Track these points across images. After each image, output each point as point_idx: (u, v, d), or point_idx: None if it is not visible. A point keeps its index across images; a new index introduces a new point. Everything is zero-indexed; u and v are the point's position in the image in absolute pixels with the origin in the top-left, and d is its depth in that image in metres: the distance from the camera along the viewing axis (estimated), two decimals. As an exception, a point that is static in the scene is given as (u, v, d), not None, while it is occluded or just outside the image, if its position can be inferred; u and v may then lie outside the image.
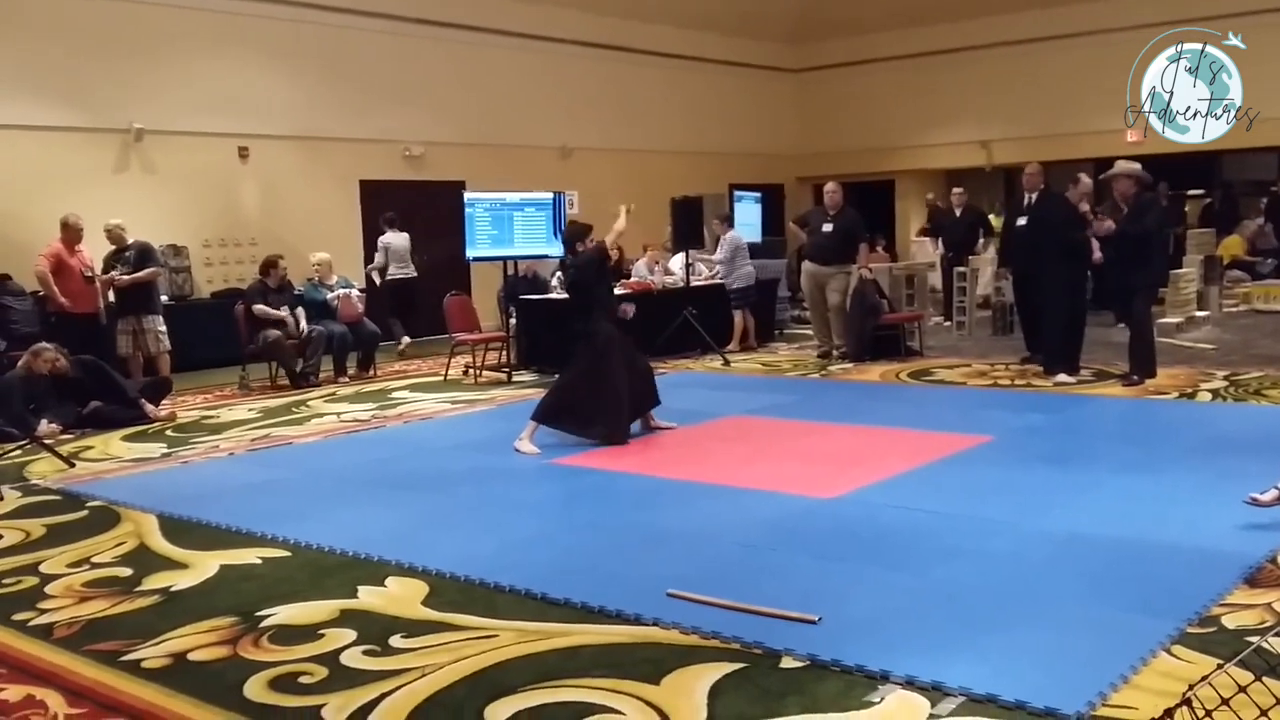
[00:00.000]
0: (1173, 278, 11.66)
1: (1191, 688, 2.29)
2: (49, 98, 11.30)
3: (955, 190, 15.04)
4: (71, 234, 9.58)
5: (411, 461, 6.86)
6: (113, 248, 9.98)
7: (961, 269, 13.00)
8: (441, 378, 10.55)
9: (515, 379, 10.24)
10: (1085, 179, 9.10)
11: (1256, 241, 15.16)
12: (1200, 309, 12.32)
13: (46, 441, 7.40)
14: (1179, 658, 3.38)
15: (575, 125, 16.14)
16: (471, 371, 10.57)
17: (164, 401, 9.03)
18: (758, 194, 13.72)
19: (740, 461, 6.56)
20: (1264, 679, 2.36)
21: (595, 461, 6.61)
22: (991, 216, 15.39)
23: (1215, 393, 8.14)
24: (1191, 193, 18.93)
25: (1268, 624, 3.60)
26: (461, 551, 4.78)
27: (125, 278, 9.73)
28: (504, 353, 10.77)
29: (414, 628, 3.91)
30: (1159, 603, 3.84)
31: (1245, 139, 15.50)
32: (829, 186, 10.95)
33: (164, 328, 9.98)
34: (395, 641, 3.78)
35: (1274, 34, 13.77)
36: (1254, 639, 3.45)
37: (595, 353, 7.05)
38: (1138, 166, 8.72)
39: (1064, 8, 16.60)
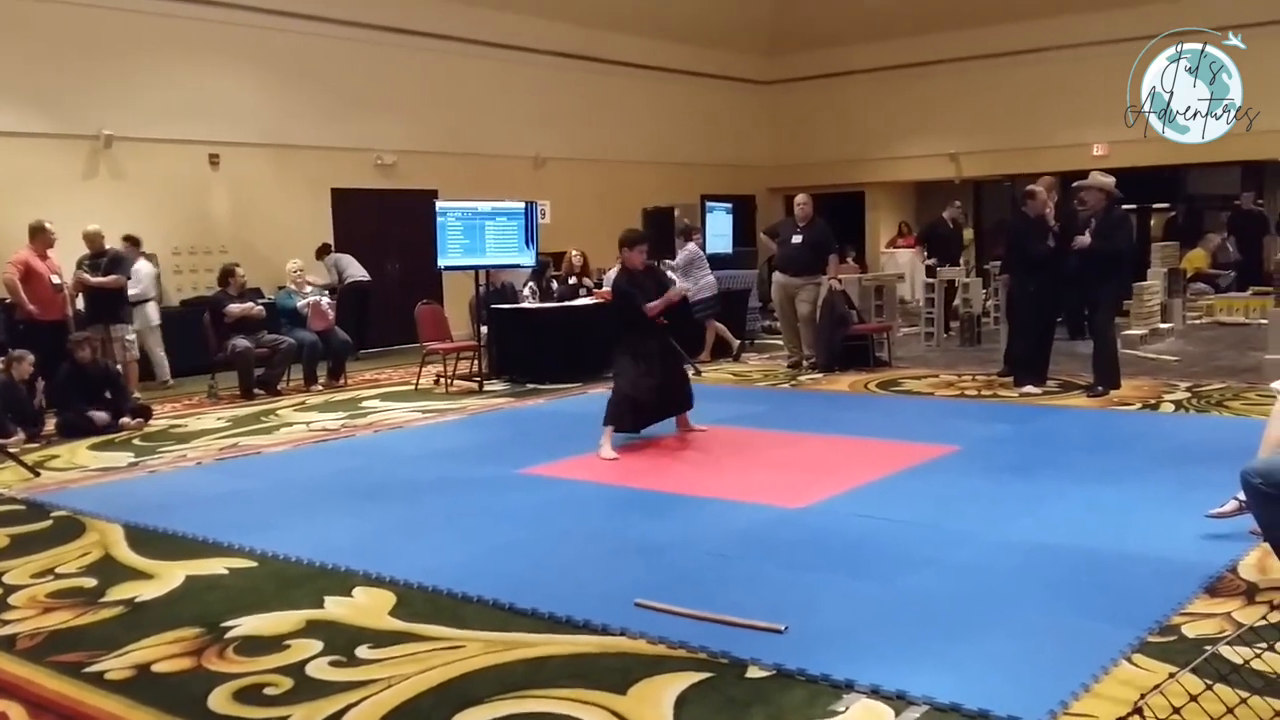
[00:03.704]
0: (1137, 290, 11.81)
1: (1143, 697, 2.33)
2: (17, 104, 11.22)
3: (956, 203, 15.21)
4: (42, 240, 9.50)
5: (381, 471, 6.84)
6: (88, 252, 9.90)
7: (931, 280, 13.13)
8: (413, 387, 10.52)
9: (487, 388, 10.22)
10: (1039, 190, 9.17)
11: (1219, 255, 15.37)
12: (1164, 321, 12.46)
13: (11, 450, 7.34)
14: (1139, 666, 3.43)
15: (548, 135, 16.16)
16: (443, 381, 10.55)
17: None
18: (729, 205, 13.77)
19: (710, 471, 6.58)
20: (1215, 687, 2.40)
21: (565, 471, 6.62)
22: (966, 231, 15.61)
23: (1178, 404, 8.24)
24: (1156, 206, 19.17)
25: (1226, 633, 3.65)
26: (429, 562, 4.78)
27: (93, 280, 9.66)
28: (475, 362, 10.76)
29: (380, 638, 3.90)
30: (1121, 612, 3.89)
31: (1208, 154, 15.80)
32: (799, 198, 11.01)
33: (133, 337, 9.92)
34: (362, 652, 3.77)
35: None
36: (1210, 648, 3.51)
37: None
38: (1111, 180, 8.82)
39: (1033, 22, 16.78)
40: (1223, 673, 2.95)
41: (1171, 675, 3.00)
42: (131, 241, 10.77)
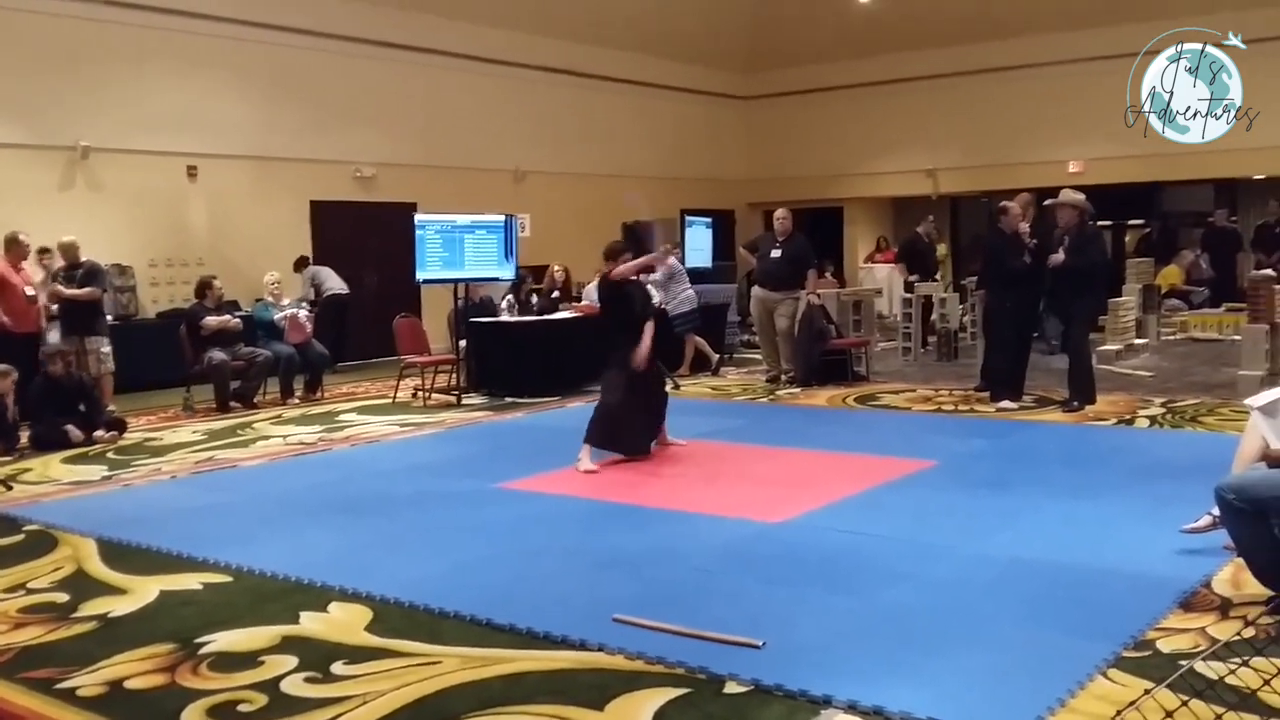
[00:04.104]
0: (1112, 306, 11.90)
1: (1119, 713, 2.34)
2: (-7, 114, 11.16)
3: (929, 219, 15.32)
4: (16, 252, 9.43)
5: (357, 485, 6.81)
6: (63, 263, 9.82)
7: (909, 296, 13.21)
8: (390, 400, 10.48)
9: (465, 402, 10.19)
10: (1013, 206, 9.25)
11: (1193, 272, 15.51)
12: (1139, 337, 12.56)
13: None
14: (1115, 681, 3.44)
15: (528, 148, 16.17)
16: (420, 394, 10.52)
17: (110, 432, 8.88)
18: (709, 219, 13.81)
19: (689, 486, 6.58)
20: (1190, 703, 2.41)
21: (544, 486, 6.60)
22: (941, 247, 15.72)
23: (1153, 419, 8.30)
24: (1131, 223, 19.34)
25: (1200, 648, 3.68)
26: (406, 576, 4.75)
27: (65, 290, 9.58)
28: (453, 375, 10.73)
29: (356, 654, 3.88)
30: (1096, 627, 3.90)
31: (1182, 171, 15.98)
32: (778, 213, 11.05)
33: (108, 349, 9.82)
34: (337, 668, 3.75)
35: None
36: (1185, 663, 3.53)
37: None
38: (1082, 197, 8.90)
39: (1009, 40, 16.93)
40: (1198, 688, 2.97)
41: (1147, 692, 3.01)
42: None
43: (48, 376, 8.48)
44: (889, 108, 18.54)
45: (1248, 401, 4.39)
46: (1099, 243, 9.15)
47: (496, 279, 11.16)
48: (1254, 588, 4.12)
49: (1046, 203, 9.46)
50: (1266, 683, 3.23)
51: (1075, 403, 8.72)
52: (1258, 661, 3.39)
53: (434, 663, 3.77)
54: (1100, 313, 11.13)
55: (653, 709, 3.35)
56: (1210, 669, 3.25)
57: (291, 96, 13.52)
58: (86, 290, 9.70)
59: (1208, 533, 4.66)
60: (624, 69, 17.54)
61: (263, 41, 13.16)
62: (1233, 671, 3.11)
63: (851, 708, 3.29)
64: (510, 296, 11.70)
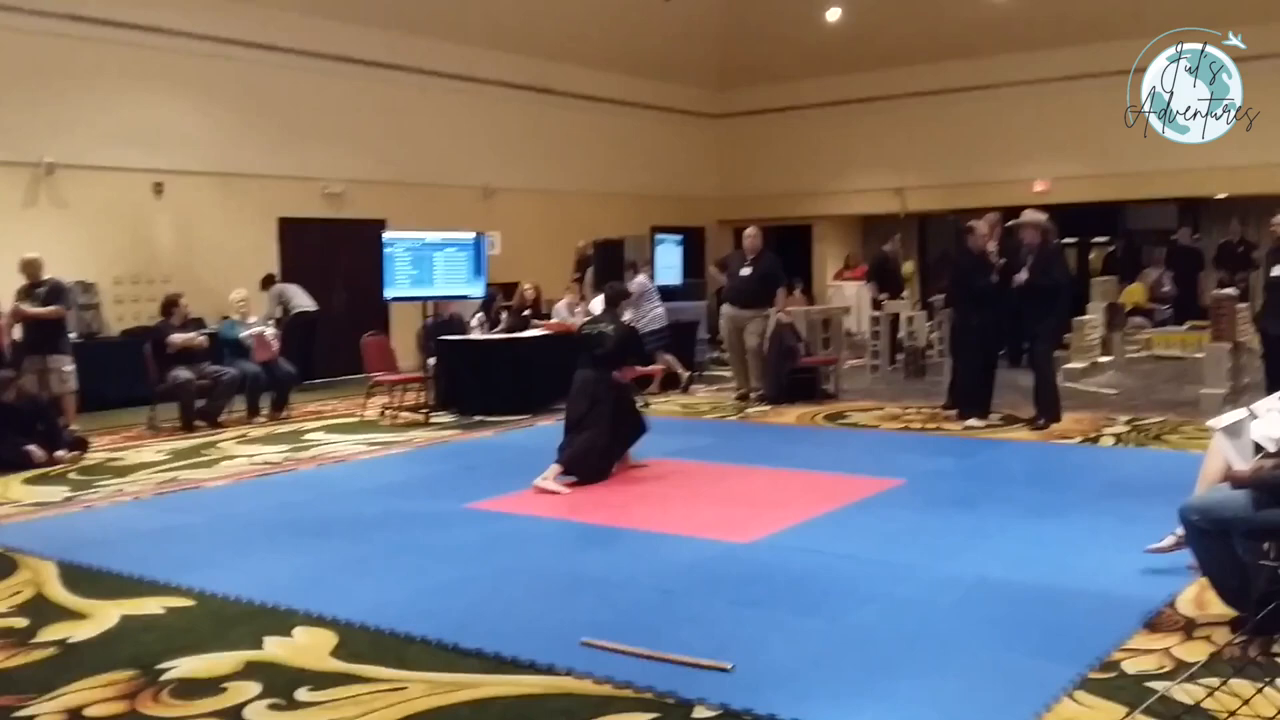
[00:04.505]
0: (1077, 324, 12.00)
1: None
2: (-45, 130, 11.02)
3: (895, 237, 15.43)
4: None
5: (324, 506, 6.75)
6: (26, 282, 9.70)
7: (877, 314, 13.28)
8: (358, 418, 10.41)
9: (433, 420, 10.14)
10: (980, 225, 9.34)
11: (1156, 290, 15.68)
12: (1104, 354, 12.67)
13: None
14: (1081, 703, 3.46)
15: (498, 165, 16.14)
16: (388, 413, 10.45)
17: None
18: (679, 236, 13.84)
19: (658, 505, 6.57)
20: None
21: (512, 506, 6.57)
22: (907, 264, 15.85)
23: (1118, 437, 8.38)
24: (1096, 240, 19.55)
25: (1166, 668, 3.70)
26: (372, 599, 4.71)
27: (31, 310, 9.47)
28: (422, 393, 10.68)
29: (321, 680, 3.83)
30: (1062, 648, 3.92)
31: (1147, 189, 16.18)
32: (748, 231, 11.10)
33: (71, 367, 9.69)
34: (301, 695, 3.70)
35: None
36: (1153, 684, 3.55)
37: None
38: (1044, 216, 9.02)
39: (976, 60, 17.10)
40: (1175, 714, 2.99)
41: (1125, 717, 3.04)
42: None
43: (1, 403, 8.35)
44: (858, 126, 18.67)
45: (1211, 423, 4.43)
46: (1061, 261, 9.27)
47: (466, 297, 11.13)
48: (1218, 608, 4.15)
49: (1009, 223, 9.55)
50: (1245, 702, 3.24)
51: (1041, 420, 8.79)
52: (1235, 683, 3.41)
53: (400, 688, 3.73)
54: (1064, 331, 11.24)
55: (621, 734, 3.33)
56: (1185, 692, 3.27)
57: (259, 113, 13.44)
58: (50, 309, 9.58)
59: (1172, 552, 4.69)
60: (594, 86, 17.57)
61: (230, 58, 13.08)
62: (1211, 694, 3.12)
63: (820, 732, 3.29)
64: (481, 314, 11.67)
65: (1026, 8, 16.20)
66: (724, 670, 3.77)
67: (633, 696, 3.60)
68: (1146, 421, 8.97)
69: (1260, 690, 3.34)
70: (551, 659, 3.90)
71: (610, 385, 7.29)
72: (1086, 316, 12.59)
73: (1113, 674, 3.68)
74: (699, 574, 5.05)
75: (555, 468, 7.02)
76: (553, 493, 6.82)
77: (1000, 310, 9.16)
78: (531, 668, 3.87)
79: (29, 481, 7.74)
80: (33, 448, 8.22)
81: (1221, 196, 16.89)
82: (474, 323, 11.53)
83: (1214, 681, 3.38)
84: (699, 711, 3.47)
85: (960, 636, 4.11)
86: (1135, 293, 15.43)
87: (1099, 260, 18.91)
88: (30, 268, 9.67)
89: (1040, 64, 16.55)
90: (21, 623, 4.58)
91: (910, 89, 17.83)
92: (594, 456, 7.13)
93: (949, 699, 3.54)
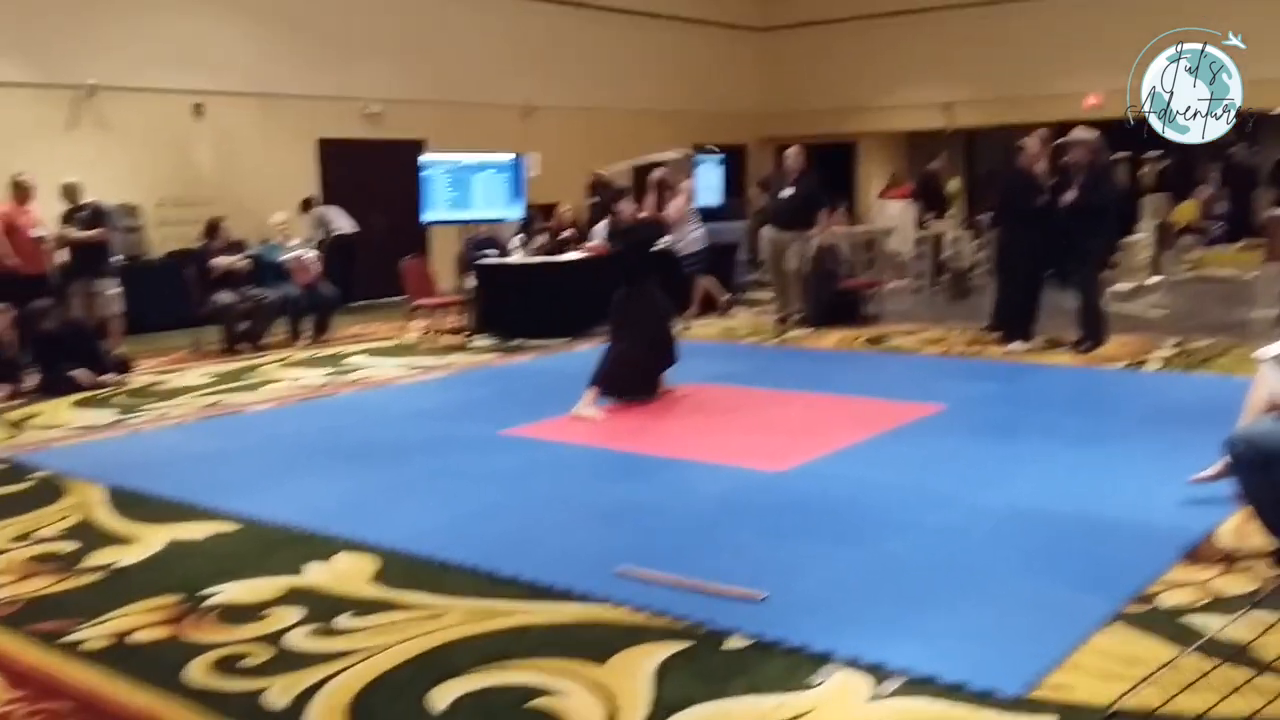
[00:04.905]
0: (1126, 244, 11.75)
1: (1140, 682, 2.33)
2: (-3, 53, 11.05)
3: (944, 154, 15.13)
4: (22, 193, 9.38)
5: (364, 430, 6.82)
6: (68, 206, 9.77)
7: (922, 234, 13.10)
8: (397, 342, 10.47)
9: (472, 344, 10.18)
10: (1031, 142, 9.11)
11: (1210, 207, 15.29)
12: (1153, 275, 12.42)
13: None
14: (1115, 636, 3.44)
15: (537, 83, 15.95)
16: (429, 335, 10.50)
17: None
18: (721, 155, 13.62)
19: (695, 433, 6.56)
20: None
21: (549, 433, 6.60)
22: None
23: (1165, 361, 8.24)
24: (1147, 155, 19.05)
25: (1202, 602, 3.67)
26: (412, 526, 4.77)
27: (76, 234, 9.56)
28: (461, 317, 10.70)
29: (361, 606, 3.90)
30: (1098, 580, 3.89)
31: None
32: (790, 150, 10.91)
33: (116, 290, 9.81)
34: (341, 621, 3.77)
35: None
36: (1188, 617, 3.53)
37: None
38: (1094, 134, 8.77)
39: (1027, -30, 16.58)
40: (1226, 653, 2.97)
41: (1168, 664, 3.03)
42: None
43: (45, 332, 8.45)
44: (904, 40, 18.21)
45: (1257, 354, 4.33)
46: (1111, 181, 9.03)
47: (505, 219, 11.08)
48: (1258, 539, 4.09)
49: (1058, 141, 9.31)
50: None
51: (1086, 344, 8.66)
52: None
53: (438, 615, 3.79)
54: (1113, 251, 11.00)
55: (655, 663, 3.36)
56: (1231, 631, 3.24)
57: (297, 32, 13.34)
58: (94, 232, 9.67)
59: (1216, 482, 4.62)
60: (635, 0, 17.23)
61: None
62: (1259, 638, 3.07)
63: (852, 664, 3.30)
64: (521, 235, 11.62)
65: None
66: (757, 600, 3.79)
67: (666, 626, 3.63)
68: (1195, 345, 8.81)
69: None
70: (587, 587, 3.94)
71: (630, 296, 7.23)
72: (1136, 236, 12.32)
73: (1148, 607, 3.65)
74: (734, 503, 5.05)
75: (589, 392, 7.02)
76: (594, 419, 6.84)
77: (1049, 230, 8.97)
78: (567, 596, 3.91)
79: (76, 405, 7.88)
80: (79, 371, 8.35)
81: (1280, 111, 16.35)
82: (515, 243, 11.48)
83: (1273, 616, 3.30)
84: (732, 641, 3.50)
85: (995, 567, 4.10)
86: (1187, 210, 15.06)
87: (1151, 176, 18.45)
88: (70, 192, 9.74)
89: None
90: (70, 547, 4.69)
91: (957, 0, 17.32)
92: (623, 368, 7.09)
93: (983, 632, 3.53)
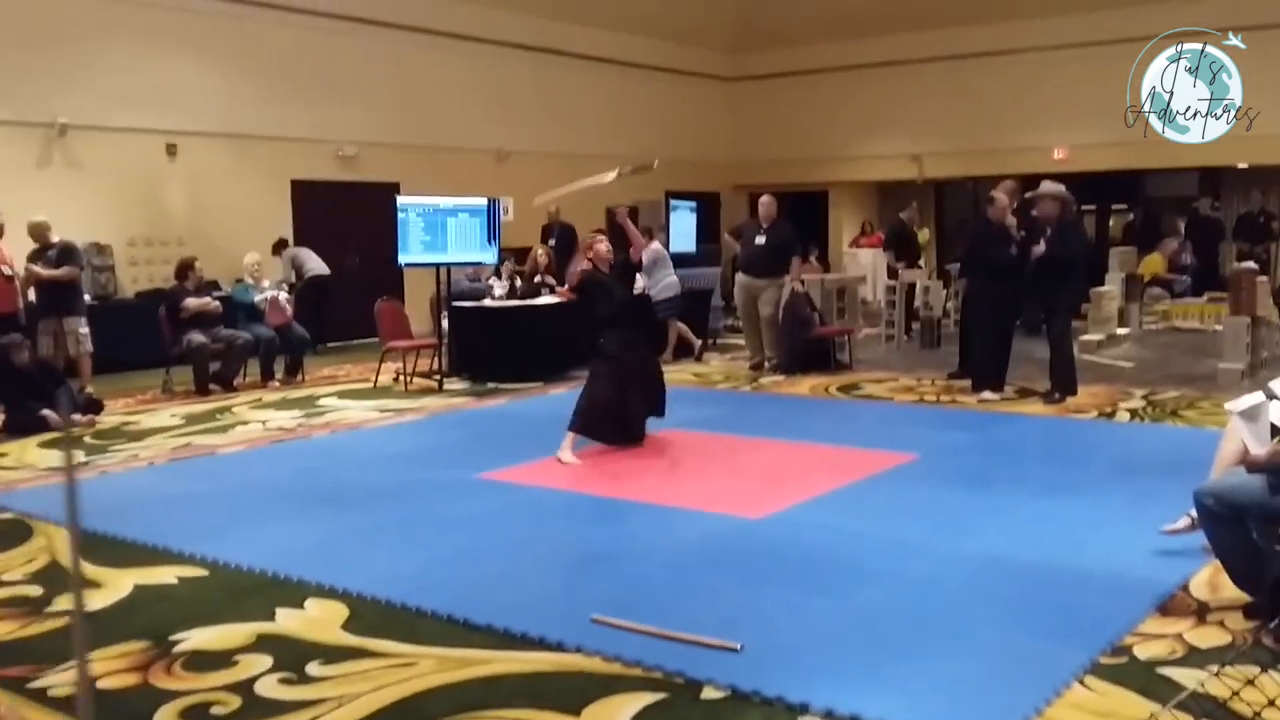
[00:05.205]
0: (1094, 295, 11.91)
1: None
2: (-32, 90, 11.00)
3: (912, 205, 15.30)
4: (-6, 230, 9.31)
5: (337, 474, 6.77)
6: (36, 245, 9.70)
7: (893, 283, 13.22)
8: (371, 384, 10.42)
9: (446, 387, 10.15)
10: (1001, 196, 9.26)
11: (1176, 260, 15.54)
12: (1121, 326, 12.59)
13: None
14: (1090, 689, 3.45)
15: (511, 128, 16.06)
16: (402, 378, 10.46)
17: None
18: (693, 203, 13.74)
19: (671, 478, 6.57)
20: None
21: (524, 477, 6.57)
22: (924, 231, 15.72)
23: (1134, 412, 8.33)
24: (1115, 208, 19.38)
25: (1177, 654, 3.68)
26: (384, 571, 4.72)
27: (44, 271, 9.48)
28: (436, 360, 10.67)
29: (332, 654, 3.85)
30: (1073, 631, 3.91)
31: (1167, 157, 16.00)
32: (763, 199, 11.02)
33: (86, 329, 9.73)
34: (312, 669, 3.72)
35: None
36: (1165, 670, 3.54)
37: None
38: (1062, 188, 8.91)
39: (996, 25, 16.87)
40: (1206, 709, 2.97)
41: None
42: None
43: (13, 366, 8.37)
44: (875, 91, 18.48)
45: (1228, 406, 4.39)
46: (1080, 234, 9.18)
47: (480, 263, 11.10)
48: (1231, 592, 4.12)
49: (1028, 195, 9.46)
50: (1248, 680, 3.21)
51: (1056, 394, 8.74)
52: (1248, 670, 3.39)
53: (410, 664, 3.75)
54: (1082, 302, 11.16)
55: (630, 714, 3.34)
56: (1203, 682, 3.24)
57: (272, 74, 13.37)
58: (63, 270, 9.59)
59: (1186, 534, 4.66)
60: (610, 49, 17.42)
61: (242, 18, 13.00)
62: (1236, 694, 3.08)
63: (828, 715, 3.29)
64: (503, 271, 11.72)
65: (1048, -29, 15.96)
66: (733, 650, 3.77)
67: (642, 675, 3.61)
68: (1163, 396, 8.91)
69: (1264, 671, 3.31)
70: (562, 635, 3.91)
71: (596, 346, 7.23)
72: (1104, 287, 12.49)
73: (1124, 659, 3.67)
74: (710, 549, 5.04)
75: (568, 437, 7.01)
76: (572, 463, 6.82)
77: (1018, 282, 9.10)
78: (542, 644, 3.88)
79: (44, 445, 7.78)
80: (48, 412, 8.25)
81: (1244, 166, 16.69)
82: (496, 283, 11.49)
83: (1250, 671, 3.31)
84: (707, 692, 3.48)
85: (970, 617, 4.10)
86: (1154, 263, 15.29)
87: (1118, 229, 18.75)
88: (38, 230, 9.66)
89: (1061, 29, 16.32)
90: (36, 591, 4.62)
91: (929, 54, 17.63)
92: (596, 411, 7.06)
93: (958, 683, 3.53)
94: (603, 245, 7.54)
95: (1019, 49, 16.88)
